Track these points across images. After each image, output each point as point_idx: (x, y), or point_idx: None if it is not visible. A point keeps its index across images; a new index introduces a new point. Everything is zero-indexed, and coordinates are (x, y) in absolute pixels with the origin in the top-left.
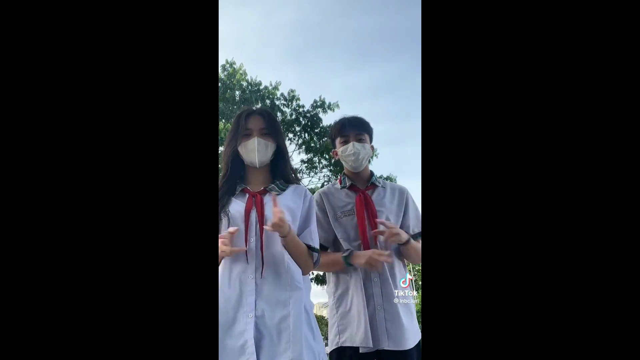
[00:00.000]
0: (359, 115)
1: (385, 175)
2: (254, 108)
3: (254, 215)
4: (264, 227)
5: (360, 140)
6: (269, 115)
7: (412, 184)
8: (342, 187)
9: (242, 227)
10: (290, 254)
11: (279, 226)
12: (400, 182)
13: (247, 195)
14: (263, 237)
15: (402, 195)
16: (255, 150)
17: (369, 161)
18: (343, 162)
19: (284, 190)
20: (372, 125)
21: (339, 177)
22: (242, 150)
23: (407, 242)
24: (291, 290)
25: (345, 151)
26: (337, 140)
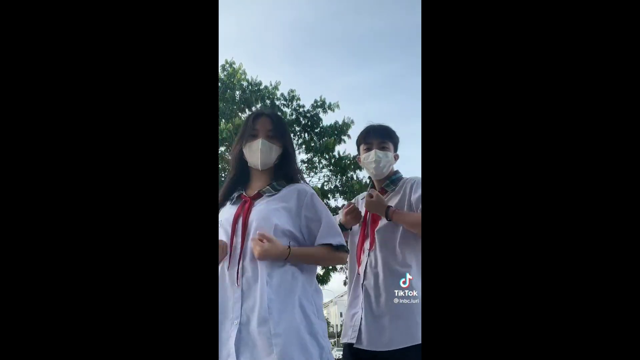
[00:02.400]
0: (385, 124)
1: None
2: (263, 110)
3: (242, 221)
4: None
5: (383, 149)
6: (277, 118)
7: None
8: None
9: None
10: (313, 264)
11: (265, 253)
12: None
13: (242, 201)
14: (244, 244)
15: (406, 190)
16: (258, 151)
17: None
18: (365, 169)
19: (279, 190)
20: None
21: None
22: (246, 151)
23: (391, 215)
24: (278, 295)
25: (367, 158)
26: (361, 147)
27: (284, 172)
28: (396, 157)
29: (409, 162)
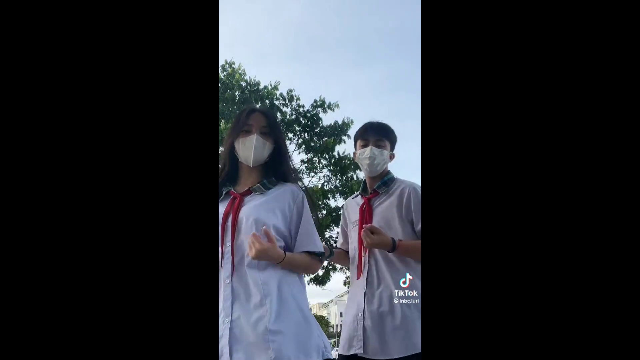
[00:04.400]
0: (384, 122)
1: None
2: (257, 107)
3: (231, 218)
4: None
5: (379, 146)
6: (271, 115)
7: None
8: (357, 195)
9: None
10: (293, 270)
11: (263, 253)
12: None
13: (230, 198)
14: (234, 241)
15: (401, 197)
16: (252, 148)
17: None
18: (360, 165)
19: (270, 188)
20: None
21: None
22: (238, 145)
23: (395, 247)
24: (267, 291)
25: (362, 154)
26: (358, 143)
27: (275, 170)
28: (392, 157)
29: (409, 161)
